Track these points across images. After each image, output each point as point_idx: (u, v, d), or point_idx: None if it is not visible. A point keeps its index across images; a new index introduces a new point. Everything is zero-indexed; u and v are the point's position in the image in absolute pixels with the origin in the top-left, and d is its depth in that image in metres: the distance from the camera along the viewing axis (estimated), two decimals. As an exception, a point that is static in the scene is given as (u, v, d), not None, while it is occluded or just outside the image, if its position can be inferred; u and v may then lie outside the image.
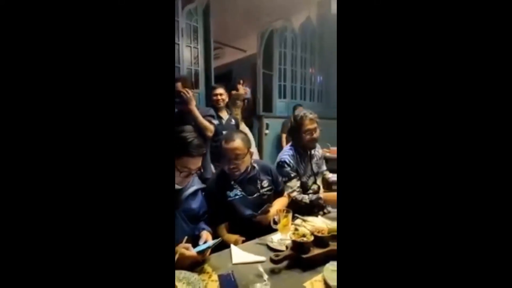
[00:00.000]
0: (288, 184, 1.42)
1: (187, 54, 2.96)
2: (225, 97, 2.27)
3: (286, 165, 1.43)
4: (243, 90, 3.50)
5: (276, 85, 3.94)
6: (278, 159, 1.50)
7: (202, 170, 1.00)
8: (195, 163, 0.94)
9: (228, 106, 2.46)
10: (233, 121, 2.34)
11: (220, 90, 2.25)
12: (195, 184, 1.10)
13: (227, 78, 5.09)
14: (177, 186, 0.97)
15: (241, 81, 4.38)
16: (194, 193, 1.09)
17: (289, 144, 1.58)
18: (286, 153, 1.49)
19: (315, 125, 1.46)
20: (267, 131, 3.84)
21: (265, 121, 3.82)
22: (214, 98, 2.27)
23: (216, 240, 0.85)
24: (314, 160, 1.57)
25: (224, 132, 2.12)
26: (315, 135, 1.47)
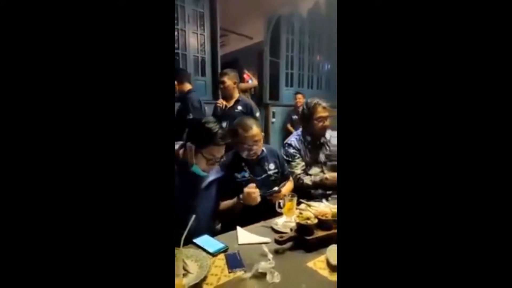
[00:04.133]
0: (292, 163, 1.49)
1: (193, 41, 2.95)
2: (227, 85, 2.23)
3: (291, 147, 1.51)
4: (248, 84, 3.45)
5: (283, 73, 3.90)
6: (285, 142, 1.58)
7: (224, 158, 1.05)
8: (220, 151, 1.00)
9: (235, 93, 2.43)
10: (239, 108, 2.29)
11: (223, 78, 2.24)
12: (211, 175, 1.09)
13: (234, 66, 5.03)
14: (204, 173, 1.02)
15: (245, 71, 4.29)
16: (209, 186, 1.09)
17: (299, 130, 1.62)
18: (293, 137, 1.57)
19: (327, 113, 1.49)
20: (273, 120, 3.83)
21: (272, 109, 3.81)
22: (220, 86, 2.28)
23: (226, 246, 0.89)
24: (324, 150, 1.59)
25: (224, 122, 2.06)
26: (326, 123, 1.50)
